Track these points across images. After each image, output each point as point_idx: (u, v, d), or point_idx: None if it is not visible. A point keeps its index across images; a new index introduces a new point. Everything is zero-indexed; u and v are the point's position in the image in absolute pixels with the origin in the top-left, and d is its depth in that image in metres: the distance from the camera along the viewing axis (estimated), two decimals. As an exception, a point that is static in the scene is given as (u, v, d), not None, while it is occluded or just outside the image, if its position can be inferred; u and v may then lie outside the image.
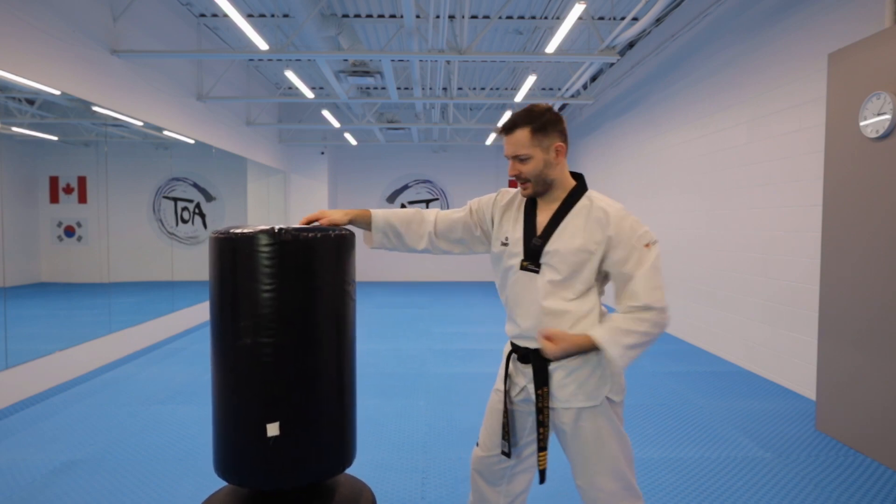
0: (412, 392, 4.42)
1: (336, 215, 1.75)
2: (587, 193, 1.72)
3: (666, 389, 4.47)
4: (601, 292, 1.73)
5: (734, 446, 3.36)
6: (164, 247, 7.46)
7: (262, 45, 5.90)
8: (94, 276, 6.03)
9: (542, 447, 1.70)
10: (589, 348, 1.61)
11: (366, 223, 1.85)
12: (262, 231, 1.56)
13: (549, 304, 1.67)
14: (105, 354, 5.38)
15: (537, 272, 1.69)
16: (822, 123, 3.95)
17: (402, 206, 12.98)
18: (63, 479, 2.92)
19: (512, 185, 1.80)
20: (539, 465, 1.71)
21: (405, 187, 13.14)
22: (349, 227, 1.80)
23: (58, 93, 4.80)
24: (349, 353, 1.75)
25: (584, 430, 1.69)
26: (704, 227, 5.92)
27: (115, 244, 5.81)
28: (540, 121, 1.64)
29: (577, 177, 1.75)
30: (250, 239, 1.56)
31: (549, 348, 1.61)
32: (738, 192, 5.28)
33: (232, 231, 1.60)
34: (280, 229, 1.56)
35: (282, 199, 11.61)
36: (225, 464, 1.67)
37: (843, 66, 3.41)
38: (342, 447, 1.73)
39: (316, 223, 1.73)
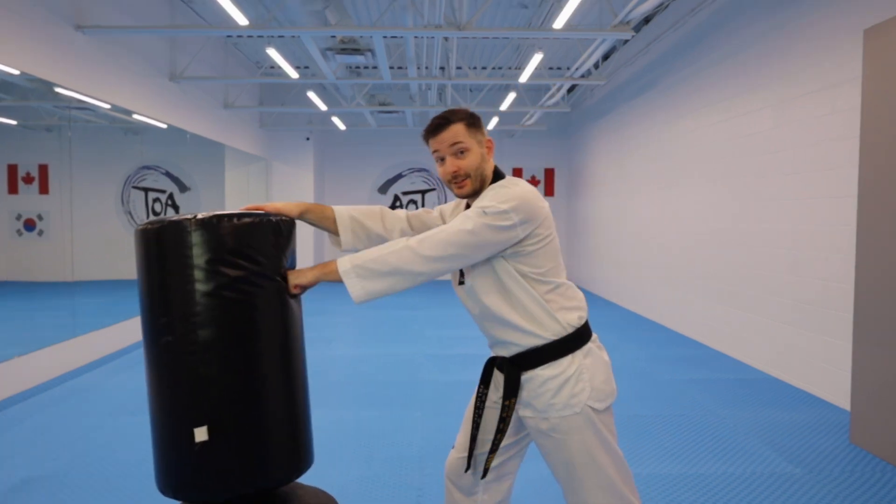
0: (406, 402, 4.41)
1: (285, 206, 1.72)
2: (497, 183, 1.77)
3: (685, 398, 4.47)
4: (544, 281, 1.71)
5: (760, 461, 3.36)
6: (133, 242, 7.44)
7: (242, 21, 5.85)
8: (56, 275, 6.00)
9: (492, 450, 1.78)
10: (334, 273, 1.61)
11: (321, 219, 1.85)
12: (188, 218, 1.56)
13: (484, 311, 1.75)
14: (69, 360, 5.35)
15: (464, 283, 1.77)
16: (858, 106, 3.93)
17: (396, 196, 12.97)
18: (21, 499, 2.90)
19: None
20: (486, 464, 1.80)
21: (399, 176, 13.10)
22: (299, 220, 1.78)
23: (17, 72, 4.76)
24: (296, 347, 1.74)
25: (565, 442, 1.69)
26: (727, 220, 5.91)
27: (79, 239, 5.78)
28: (471, 117, 1.74)
29: (497, 174, 1.81)
30: (175, 226, 1.56)
31: (291, 284, 1.63)
32: (763, 182, 5.26)
33: (156, 220, 1.61)
34: (207, 215, 1.57)
35: (263, 190, 11.58)
36: (159, 475, 1.67)
37: (881, 43, 3.38)
38: (293, 453, 1.71)
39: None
